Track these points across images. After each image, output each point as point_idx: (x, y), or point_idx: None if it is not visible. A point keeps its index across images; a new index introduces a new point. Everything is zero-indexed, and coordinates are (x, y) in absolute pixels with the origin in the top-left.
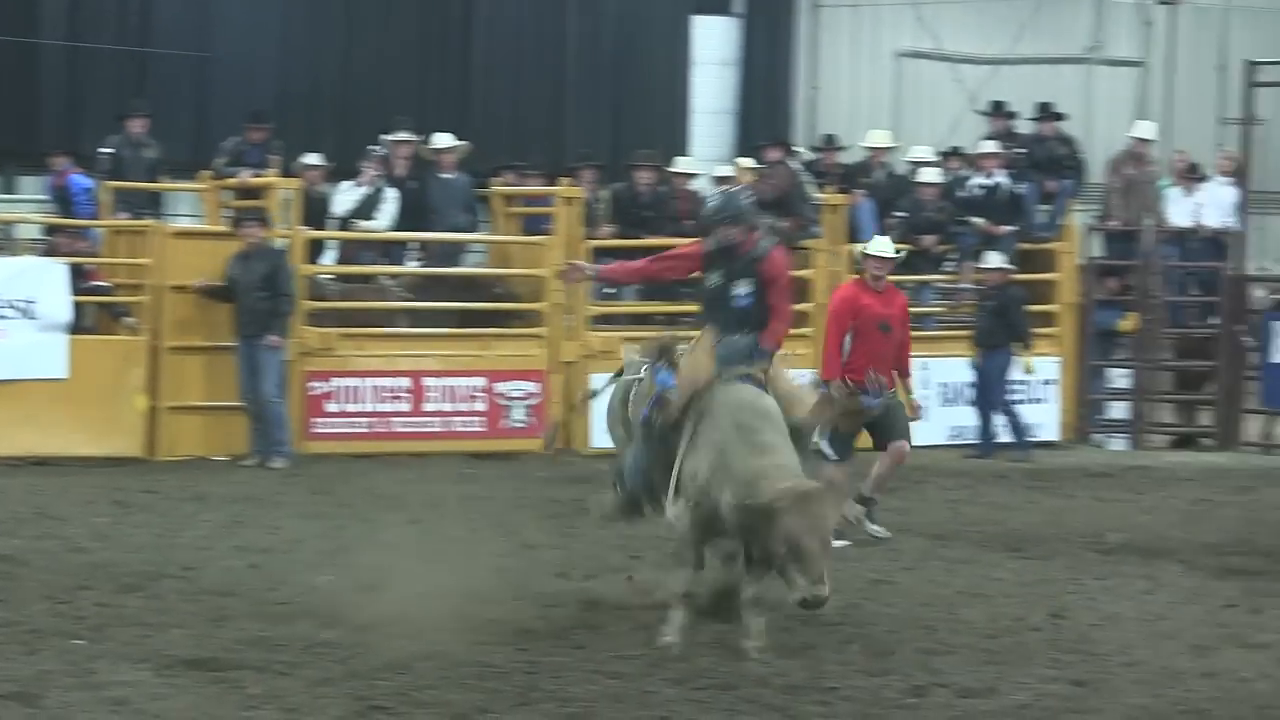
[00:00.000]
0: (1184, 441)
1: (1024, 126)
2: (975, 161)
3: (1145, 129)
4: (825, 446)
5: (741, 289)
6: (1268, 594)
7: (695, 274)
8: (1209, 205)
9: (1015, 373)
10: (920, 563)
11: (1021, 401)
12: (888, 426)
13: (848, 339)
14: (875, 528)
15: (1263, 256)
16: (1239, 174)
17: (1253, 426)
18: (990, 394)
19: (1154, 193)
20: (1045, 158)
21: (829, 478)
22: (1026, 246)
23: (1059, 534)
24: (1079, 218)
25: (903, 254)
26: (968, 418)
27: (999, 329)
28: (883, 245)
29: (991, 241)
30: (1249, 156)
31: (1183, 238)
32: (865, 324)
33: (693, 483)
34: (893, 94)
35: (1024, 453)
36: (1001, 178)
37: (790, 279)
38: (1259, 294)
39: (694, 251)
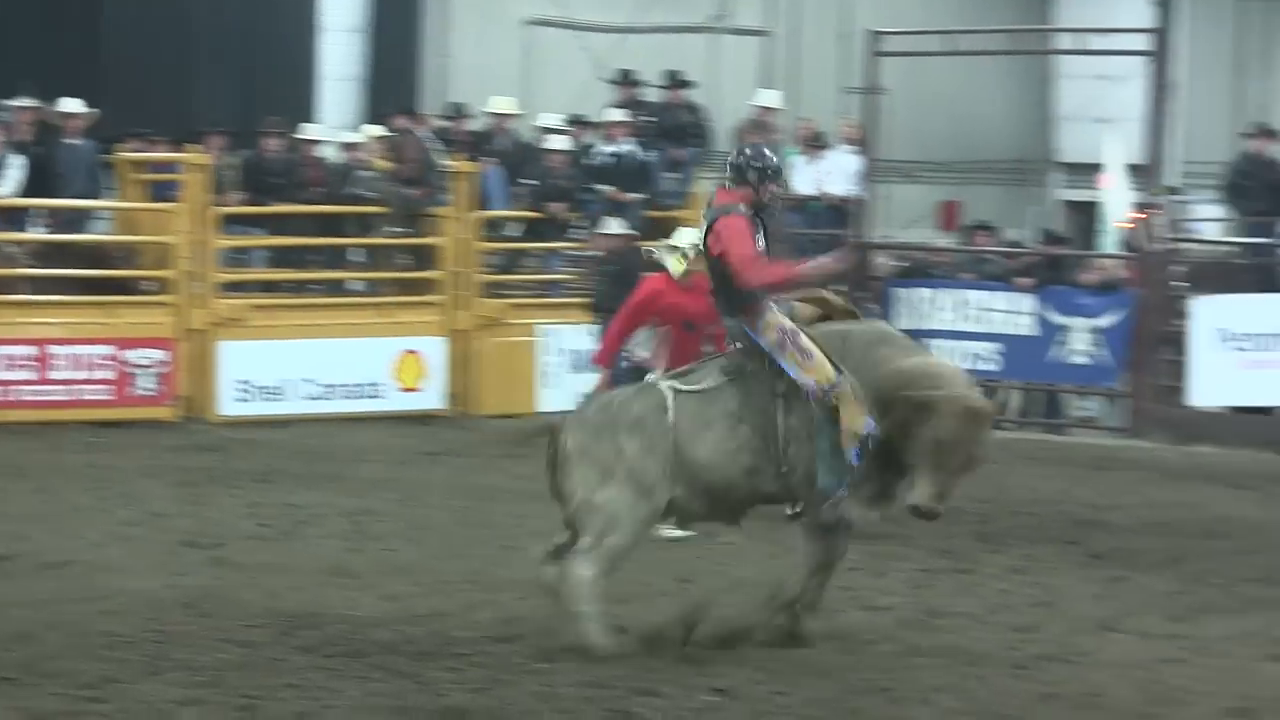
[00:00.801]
0: None
1: (651, 95)
2: (603, 129)
3: (770, 97)
4: None
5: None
6: (890, 557)
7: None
8: (833, 173)
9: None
10: (548, 529)
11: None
12: None
13: (649, 332)
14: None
15: (887, 224)
16: (862, 142)
17: None
18: None
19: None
20: (672, 126)
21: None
22: (654, 214)
23: None
24: (705, 185)
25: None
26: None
27: (619, 294)
28: (695, 238)
29: (619, 209)
30: (873, 125)
31: (807, 205)
32: (670, 321)
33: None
34: (521, 62)
35: None
36: (629, 145)
37: None
38: (882, 261)
39: (747, 227)
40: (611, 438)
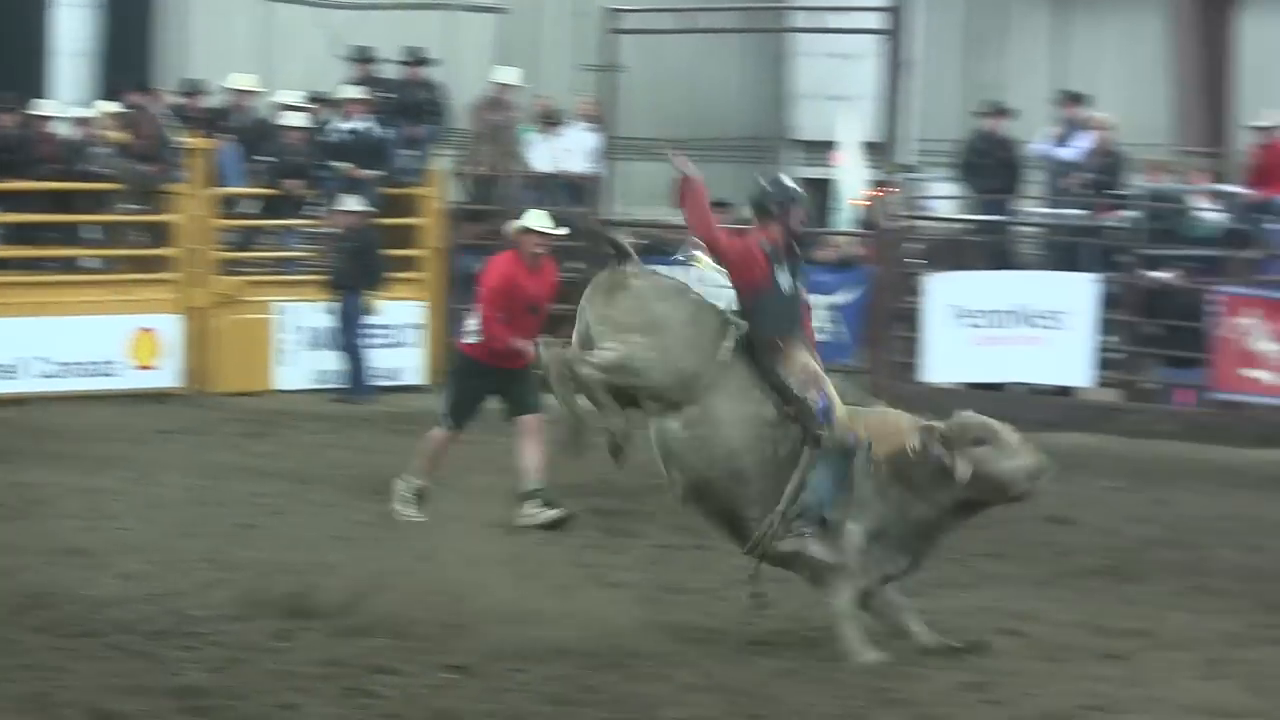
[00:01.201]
0: (546, 384)
1: (389, 72)
2: (340, 106)
3: (507, 75)
4: (444, 417)
5: (801, 284)
6: (628, 534)
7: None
8: (571, 151)
9: (371, 316)
10: (286, 507)
11: (387, 345)
12: (520, 400)
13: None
14: (549, 513)
15: (625, 202)
16: (600, 120)
17: None
18: (347, 337)
19: (516, 138)
20: (410, 103)
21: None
22: (391, 191)
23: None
24: (443, 163)
25: (565, 230)
26: (333, 361)
27: (355, 271)
28: (544, 220)
29: (356, 186)
30: (610, 103)
31: (544, 183)
32: (516, 305)
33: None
34: (259, 38)
35: (363, 397)
36: (366, 123)
37: None
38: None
39: (756, 253)
40: (676, 303)
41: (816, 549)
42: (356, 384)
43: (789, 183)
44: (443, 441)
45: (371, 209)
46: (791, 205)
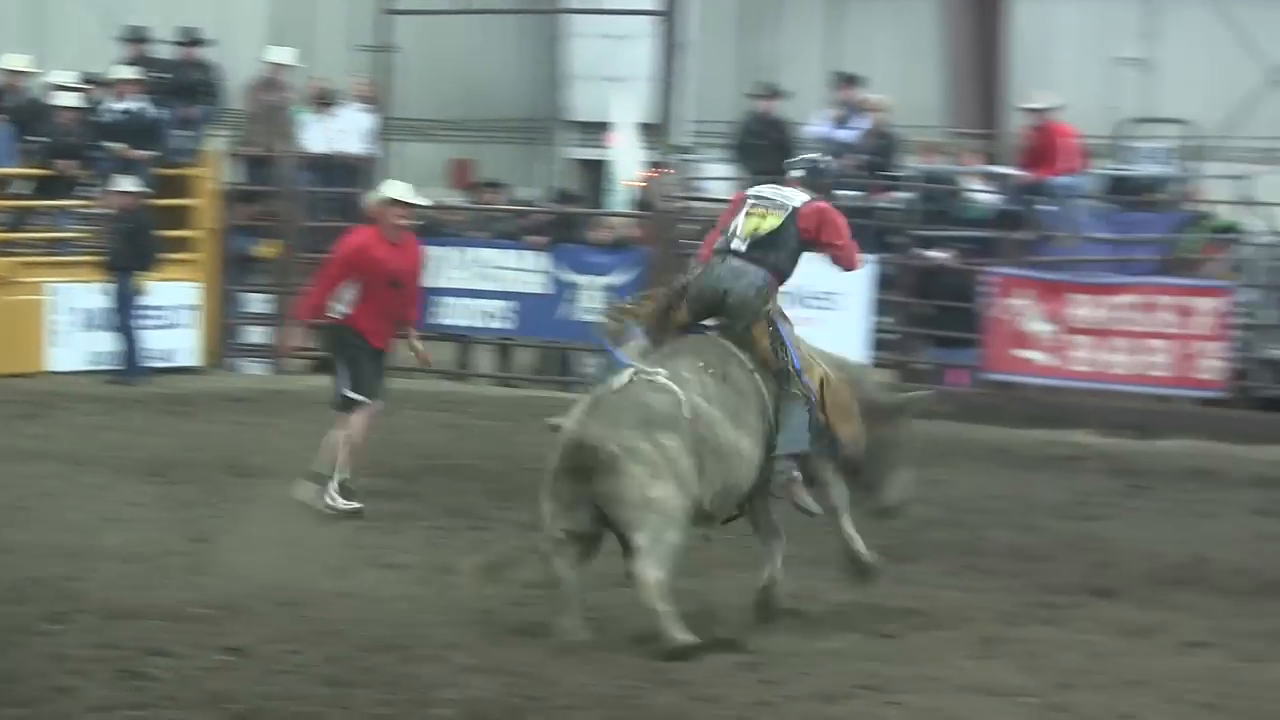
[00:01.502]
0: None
1: (163, 52)
2: (114, 87)
3: (281, 55)
4: (349, 391)
5: None
6: (405, 515)
7: None
8: (345, 131)
9: (145, 297)
10: (58, 489)
11: (161, 326)
12: (365, 381)
13: (354, 289)
14: (344, 503)
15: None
16: (375, 100)
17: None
18: (122, 318)
19: (290, 119)
20: (184, 83)
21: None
22: (165, 172)
23: (199, 459)
24: (217, 143)
25: (429, 204)
26: (107, 343)
27: (129, 252)
28: (407, 191)
29: (130, 166)
30: (385, 83)
31: (319, 164)
32: (375, 279)
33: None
34: (32, 18)
35: (137, 378)
36: (140, 103)
37: None
38: None
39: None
40: (651, 435)
41: (805, 498)
42: (130, 365)
43: (835, 166)
44: (365, 426)
45: (145, 190)
46: (835, 186)
